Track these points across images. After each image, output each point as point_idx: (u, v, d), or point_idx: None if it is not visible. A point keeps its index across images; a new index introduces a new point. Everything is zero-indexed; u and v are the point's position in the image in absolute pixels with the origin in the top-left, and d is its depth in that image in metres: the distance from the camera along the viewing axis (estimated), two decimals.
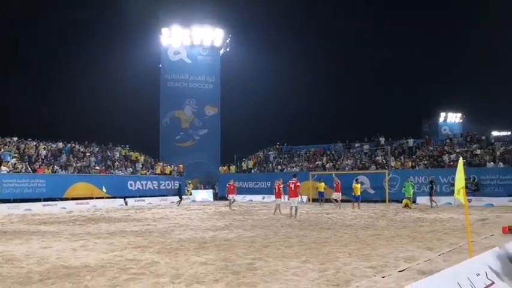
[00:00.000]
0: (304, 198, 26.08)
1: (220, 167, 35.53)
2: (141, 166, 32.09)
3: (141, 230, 12.69)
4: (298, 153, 33.86)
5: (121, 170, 29.87)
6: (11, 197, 22.35)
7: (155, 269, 6.91)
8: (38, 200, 23.13)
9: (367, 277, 6.23)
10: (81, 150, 29.60)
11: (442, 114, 58.52)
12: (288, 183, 17.14)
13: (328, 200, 24.11)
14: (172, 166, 33.59)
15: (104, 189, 26.33)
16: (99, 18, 43.32)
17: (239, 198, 27.47)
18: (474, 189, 23.05)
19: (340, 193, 22.08)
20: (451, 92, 52.77)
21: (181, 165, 34.06)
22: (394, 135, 31.49)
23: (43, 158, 26.44)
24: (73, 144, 29.57)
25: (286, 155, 34.47)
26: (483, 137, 27.90)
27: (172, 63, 39.83)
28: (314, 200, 26.62)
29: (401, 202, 22.01)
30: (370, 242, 9.61)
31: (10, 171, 23.25)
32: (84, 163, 28.02)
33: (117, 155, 31.80)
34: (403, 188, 22.12)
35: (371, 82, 53.61)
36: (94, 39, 44.99)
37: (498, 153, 25.06)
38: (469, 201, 19.03)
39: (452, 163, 24.57)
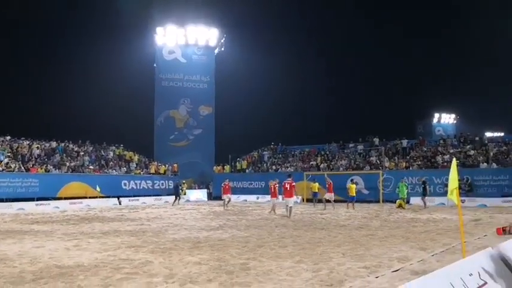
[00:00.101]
0: (299, 198, 26.09)
1: (215, 167, 35.43)
2: (135, 165, 31.96)
3: (135, 229, 12.65)
4: (292, 153, 33.87)
5: (115, 170, 29.74)
6: (4, 197, 22.19)
7: (149, 269, 6.89)
8: (31, 199, 22.98)
9: (361, 277, 6.24)
10: (75, 149, 29.40)
11: (436, 115, 58.92)
12: (283, 183, 17.17)
13: (320, 201, 24.16)
14: (167, 166, 33.50)
15: (98, 189, 26.15)
16: (93, 18, 43.23)
17: (233, 198, 27.42)
18: (467, 189, 23.18)
19: (333, 193, 22.11)
20: (444, 93, 53.24)
21: (175, 165, 33.98)
22: (388, 136, 31.66)
23: (36, 157, 26.24)
24: (67, 144, 29.36)
25: (280, 155, 34.44)
26: (476, 138, 28.06)
27: (166, 62, 39.66)
28: (308, 200, 26.66)
29: (395, 202, 22.09)
30: (364, 242, 9.64)
31: (3, 170, 23.08)
32: (77, 162, 27.85)
33: (111, 154, 31.64)
34: (397, 189, 22.15)
35: (365, 83, 53.92)
36: (88, 39, 44.84)
37: (491, 154, 25.24)
38: (462, 202, 19.15)
39: (445, 164, 24.68)
